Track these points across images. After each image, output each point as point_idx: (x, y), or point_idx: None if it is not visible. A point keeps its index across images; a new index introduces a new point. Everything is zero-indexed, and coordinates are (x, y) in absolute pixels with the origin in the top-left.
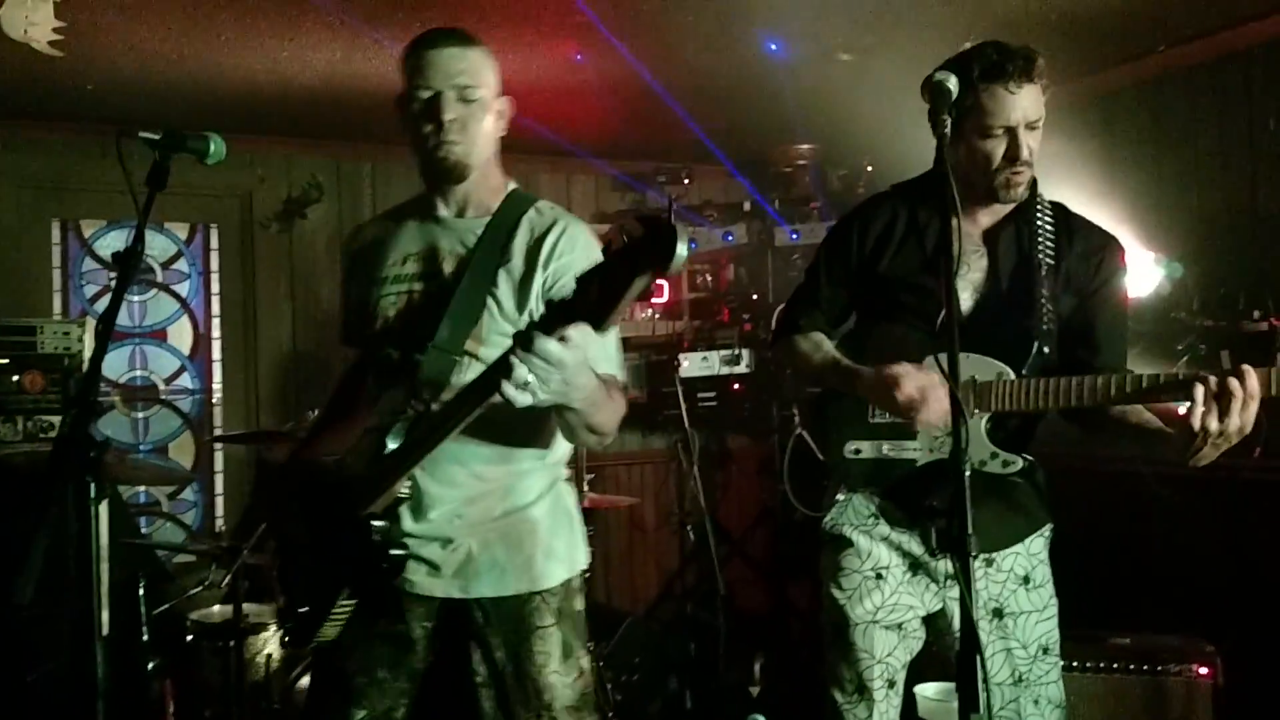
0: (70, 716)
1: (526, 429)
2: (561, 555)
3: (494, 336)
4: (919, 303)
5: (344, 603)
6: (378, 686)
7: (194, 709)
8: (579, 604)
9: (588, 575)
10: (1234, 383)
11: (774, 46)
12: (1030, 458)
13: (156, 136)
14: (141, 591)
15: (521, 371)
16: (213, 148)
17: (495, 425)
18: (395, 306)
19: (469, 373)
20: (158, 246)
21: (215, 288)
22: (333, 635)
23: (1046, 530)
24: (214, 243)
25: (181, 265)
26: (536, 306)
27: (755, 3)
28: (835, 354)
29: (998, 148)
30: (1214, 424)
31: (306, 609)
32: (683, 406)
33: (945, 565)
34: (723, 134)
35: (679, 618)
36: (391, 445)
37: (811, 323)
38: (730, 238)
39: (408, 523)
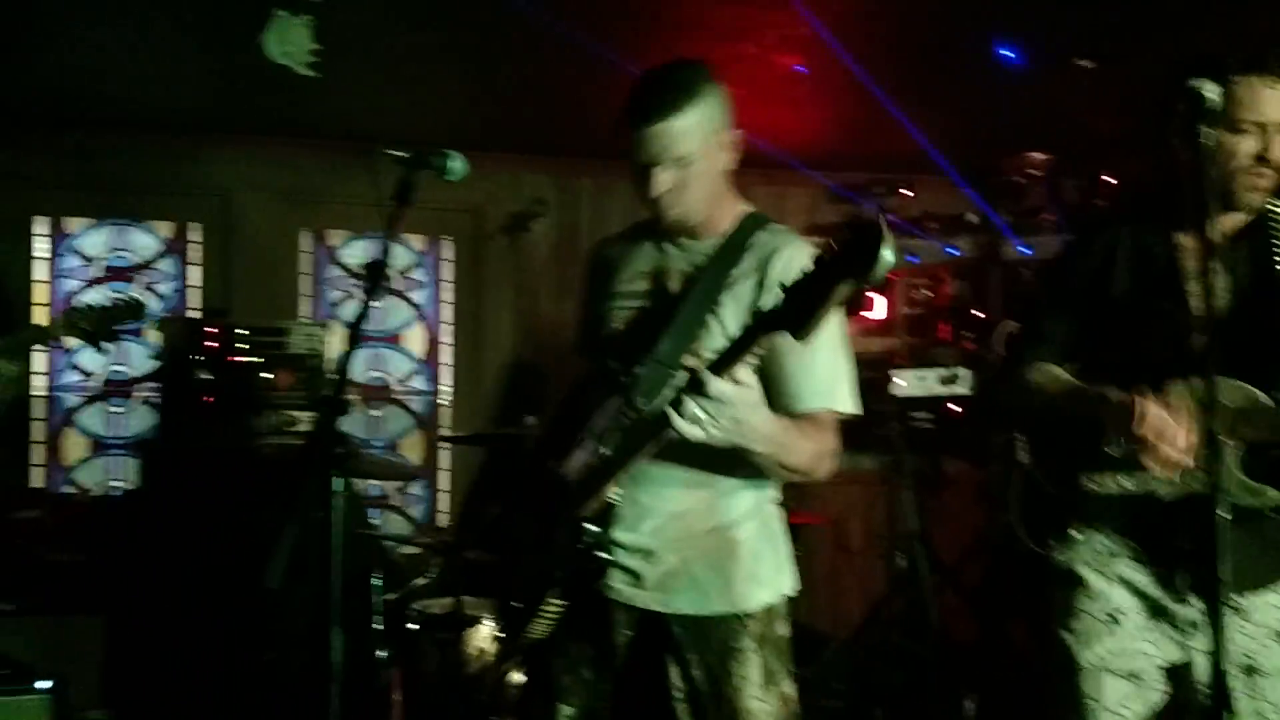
0: (304, 698)
1: (730, 452)
2: (765, 579)
3: (711, 353)
4: (1155, 327)
5: (553, 602)
6: (584, 686)
7: (414, 698)
8: (783, 630)
9: (793, 599)
10: None
11: (1008, 53)
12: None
13: (405, 155)
14: (376, 582)
15: (691, 406)
16: (454, 165)
17: (705, 446)
18: (621, 320)
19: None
20: (397, 256)
21: (447, 297)
22: (542, 633)
23: None
24: (447, 254)
25: (418, 275)
26: None
27: (988, 9)
28: (1074, 380)
29: (1244, 144)
30: None
31: (520, 605)
32: (896, 426)
33: (1190, 611)
34: (947, 142)
35: (885, 646)
36: (606, 452)
37: (1037, 355)
38: (952, 251)
39: (617, 531)
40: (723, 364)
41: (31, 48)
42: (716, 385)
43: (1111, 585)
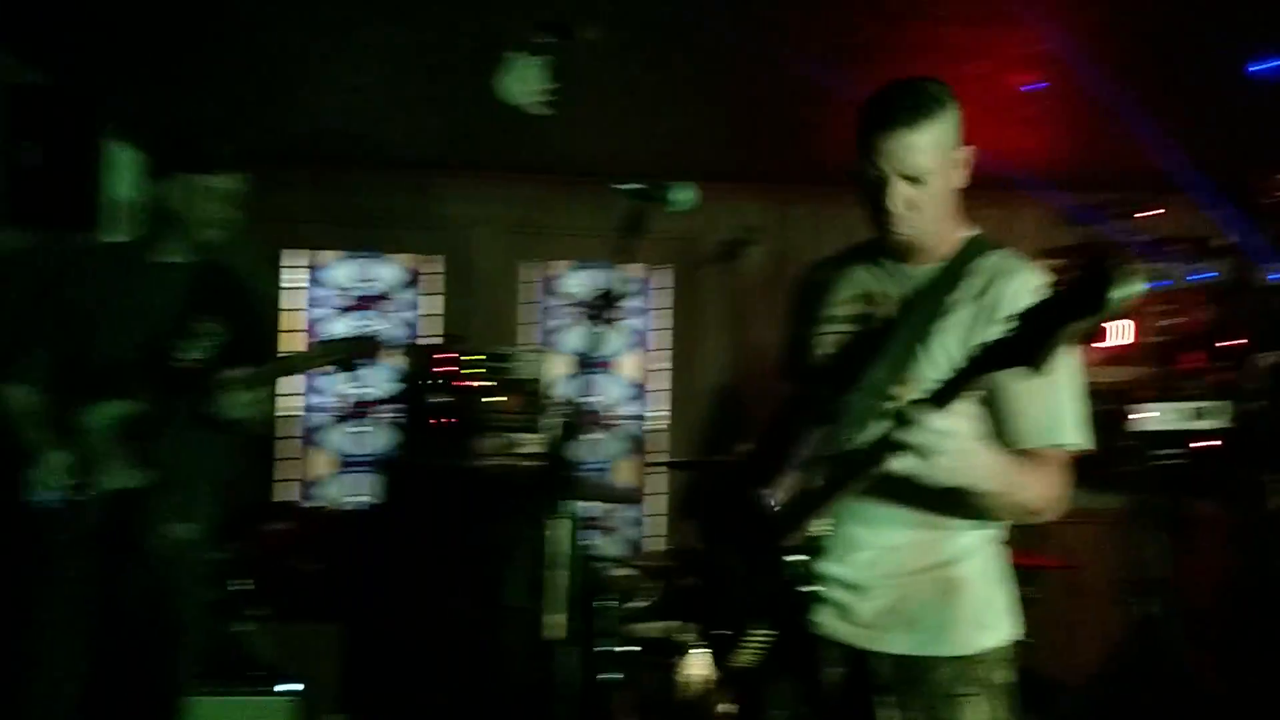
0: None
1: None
2: (990, 621)
3: (927, 383)
4: None
5: (759, 632)
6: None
7: None
8: (1008, 676)
9: (1020, 645)
10: None
11: (1266, 66)
12: None
13: (636, 188)
14: (600, 604)
15: (908, 439)
16: (683, 196)
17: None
18: (831, 345)
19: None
20: (619, 284)
21: (661, 324)
22: (749, 662)
23: None
24: (663, 282)
25: (634, 302)
26: None
27: (1244, 18)
28: None
29: None
30: None
31: (728, 633)
32: (1138, 464)
33: None
34: (1195, 160)
35: (1124, 698)
36: (815, 482)
37: None
38: (1199, 275)
39: (826, 563)
40: (944, 396)
41: (291, 94)
42: (937, 419)
43: None
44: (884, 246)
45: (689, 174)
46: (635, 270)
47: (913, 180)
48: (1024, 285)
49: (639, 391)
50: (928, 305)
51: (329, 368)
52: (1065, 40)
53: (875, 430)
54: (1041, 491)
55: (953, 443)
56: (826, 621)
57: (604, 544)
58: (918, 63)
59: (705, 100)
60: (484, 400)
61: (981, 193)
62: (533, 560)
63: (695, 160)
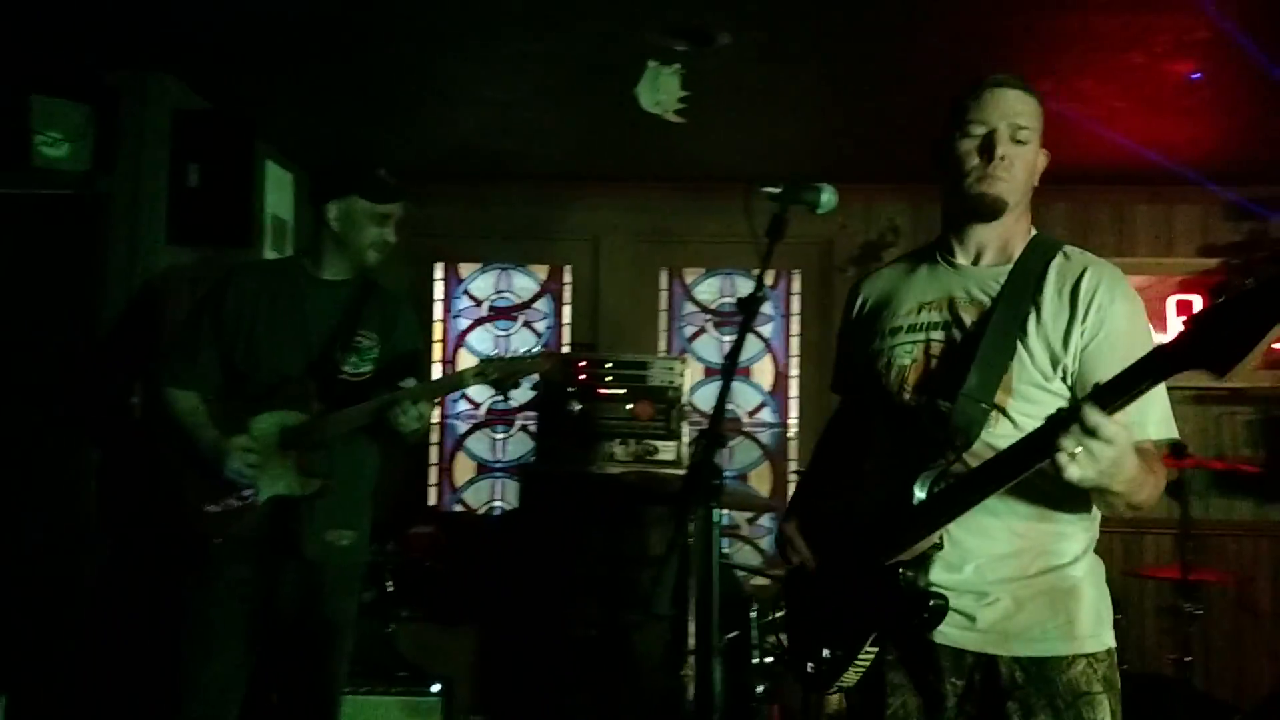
0: None
1: (1070, 488)
2: (1105, 620)
3: (1023, 388)
4: None
5: (869, 649)
6: None
7: None
8: (1118, 677)
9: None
10: None
11: None
12: None
13: (777, 190)
14: (754, 614)
15: (1070, 444)
16: (824, 197)
17: (1037, 483)
18: (911, 355)
19: (998, 426)
20: (744, 290)
21: (795, 329)
22: (854, 682)
23: None
24: (795, 287)
25: (766, 308)
26: (1073, 362)
27: None
28: None
29: None
30: None
31: (831, 653)
32: None
33: None
34: None
35: None
36: (919, 495)
37: None
38: None
39: (938, 574)
40: (1111, 398)
41: (432, 111)
42: (1105, 425)
43: None
44: (949, 243)
45: (825, 176)
46: (767, 275)
47: (1016, 135)
48: (1105, 279)
49: (772, 398)
50: (1013, 306)
51: (488, 387)
52: (1231, 24)
53: (989, 434)
54: (1155, 486)
55: (1114, 449)
56: (949, 631)
57: (742, 553)
58: (1067, 53)
59: (846, 103)
60: (621, 407)
61: (1137, 187)
62: (676, 568)
63: (831, 162)
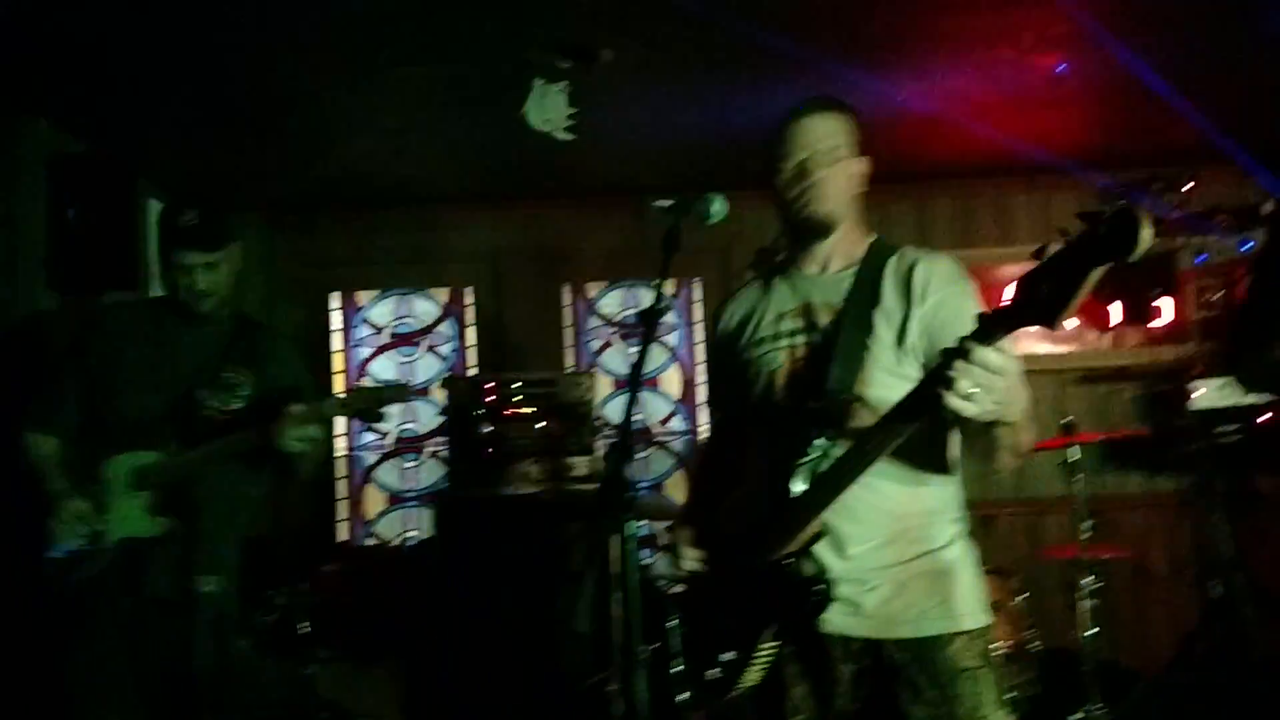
0: None
1: (934, 465)
2: (980, 599)
3: (879, 375)
4: None
5: (767, 646)
6: None
7: None
8: (994, 651)
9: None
10: None
11: None
12: None
13: (668, 203)
14: (675, 623)
15: (964, 383)
16: (715, 208)
17: (904, 462)
18: (778, 360)
19: (862, 414)
20: (648, 301)
21: (699, 337)
22: (756, 680)
23: None
24: (697, 295)
25: (670, 317)
26: (917, 342)
27: None
28: None
29: None
30: None
31: (730, 656)
32: (1198, 443)
33: None
34: (1235, 127)
35: (1202, 683)
36: (798, 487)
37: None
38: (1248, 245)
39: (823, 561)
40: (985, 337)
41: (320, 140)
42: (989, 354)
43: None
44: (797, 258)
45: (717, 184)
46: (668, 285)
47: (828, 159)
48: (935, 266)
49: (681, 406)
50: (861, 305)
51: (355, 418)
52: (1090, 19)
53: (854, 424)
54: (1031, 432)
55: (1004, 378)
56: (836, 619)
57: (661, 562)
58: (938, 53)
59: (723, 109)
60: (532, 427)
61: (1015, 177)
62: (594, 585)
63: (721, 170)
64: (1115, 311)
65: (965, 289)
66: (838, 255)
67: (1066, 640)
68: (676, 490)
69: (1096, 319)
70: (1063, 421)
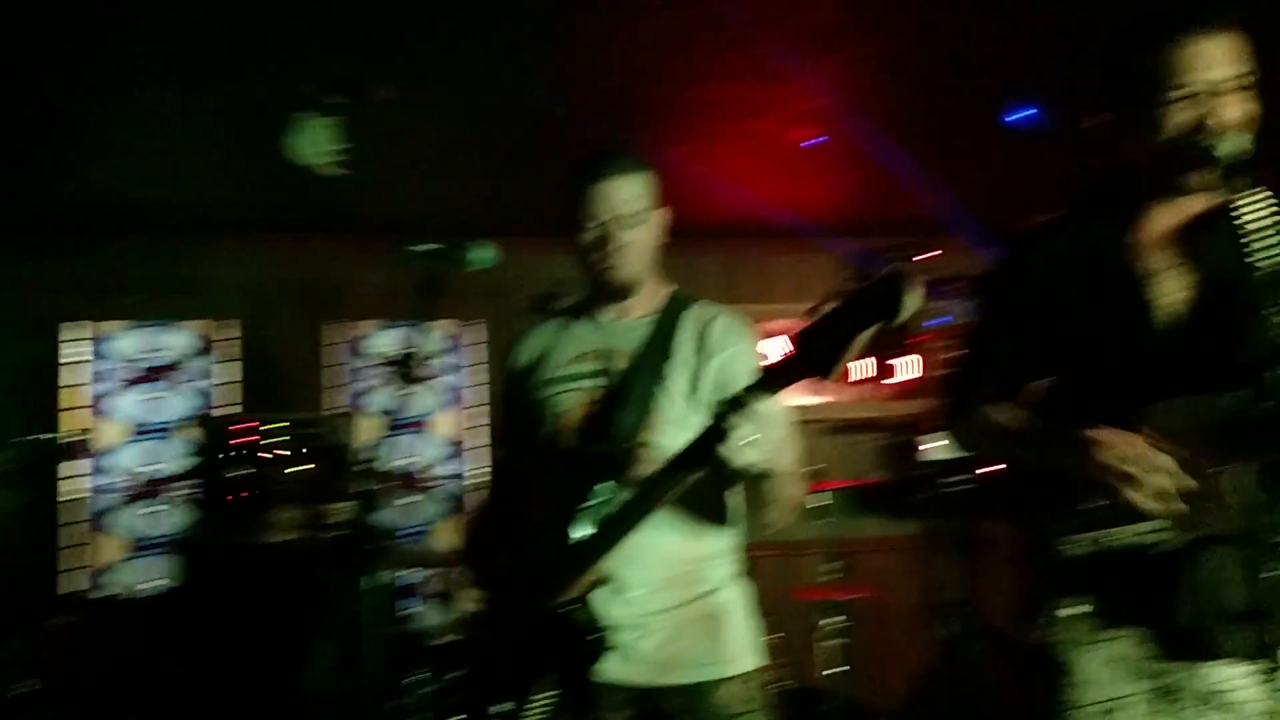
0: None
1: (713, 512)
2: (753, 642)
3: (667, 424)
4: (1119, 339)
5: (543, 695)
6: None
7: None
8: (767, 696)
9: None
10: None
11: (1022, 113)
12: None
13: (429, 249)
14: (421, 677)
15: (739, 433)
16: (481, 256)
17: (685, 510)
18: (571, 403)
19: (647, 463)
20: (426, 344)
21: (476, 380)
22: None
23: None
24: (475, 338)
25: (448, 359)
26: (708, 394)
27: (999, 69)
28: (1024, 421)
29: (1192, 112)
30: None
31: (505, 706)
32: (930, 490)
33: (1205, 682)
34: (970, 203)
35: (935, 718)
36: (578, 534)
37: (983, 393)
38: (945, 320)
39: (600, 608)
40: (762, 391)
41: (66, 161)
42: (765, 405)
43: (1106, 668)
44: (598, 303)
45: (497, 228)
46: (446, 326)
47: (625, 223)
48: (730, 327)
49: (456, 450)
50: (656, 353)
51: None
52: (844, 98)
53: (639, 471)
54: (803, 485)
55: (777, 428)
56: (610, 666)
57: (428, 612)
58: (706, 121)
59: (507, 160)
60: (288, 470)
61: (776, 241)
62: (343, 637)
63: (502, 215)
64: (864, 367)
65: (754, 347)
66: (637, 304)
67: (813, 679)
68: (444, 537)
69: (844, 374)
70: (812, 469)
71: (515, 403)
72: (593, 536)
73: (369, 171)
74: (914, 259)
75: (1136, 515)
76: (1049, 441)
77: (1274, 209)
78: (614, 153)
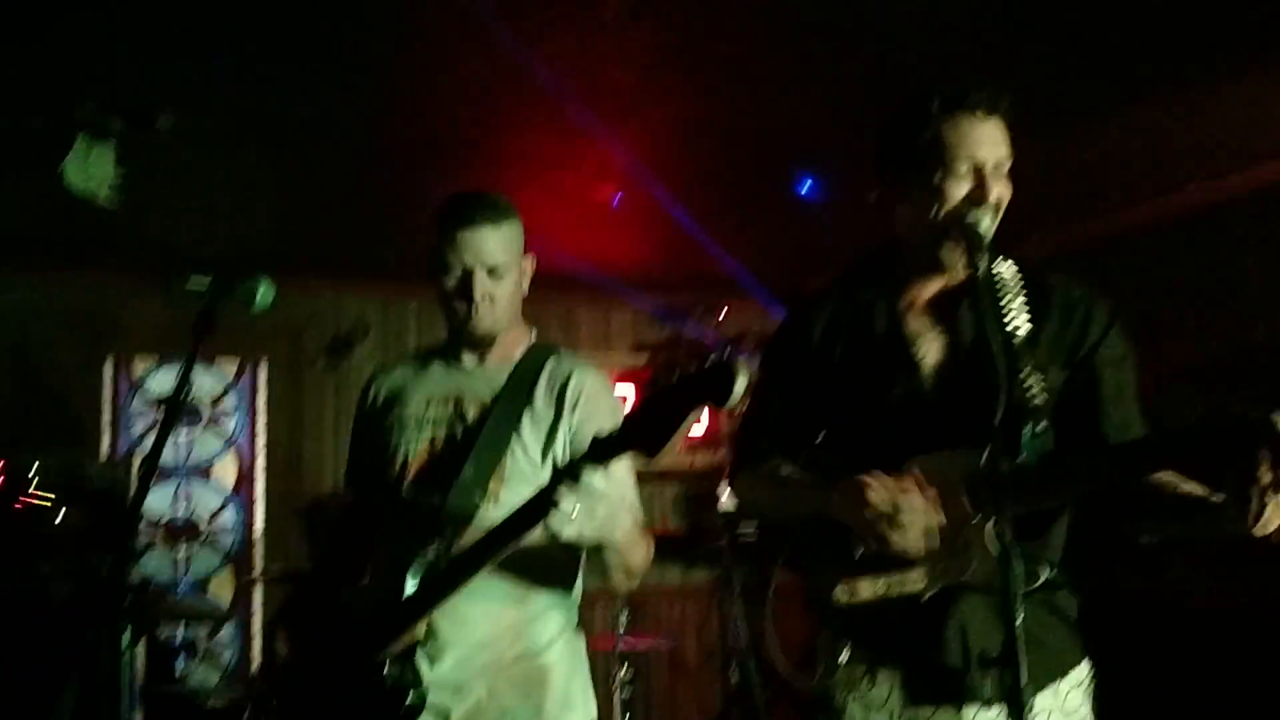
0: None
1: (546, 570)
2: (576, 703)
3: (516, 478)
4: (884, 398)
5: None
6: None
7: None
8: None
9: None
10: None
11: (807, 184)
12: (1055, 570)
13: (203, 284)
14: None
15: (568, 504)
16: (260, 294)
17: (515, 565)
18: (418, 448)
19: (491, 514)
20: (206, 384)
21: (261, 424)
22: None
23: (1083, 673)
24: (262, 379)
25: (229, 401)
26: (561, 451)
27: (788, 141)
28: (798, 476)
29: (958, 189)
30: (1268, 476)
31: None
32: (724, 539)
33: None
34: (759, 265)
35: None
36: (410, 587)
37: (763, 449)
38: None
39: (421, 667)
40: (598, 458)
41: None
42: (595, 478)
43: (874, 714)
44: (457, 347)
45: (292, 265)
46: (229, 366)
47: (492, 273)
48: (588, 381)
49: (236, 498)
50: (510, 404)
51: None
52: (642, 156)
53: (481, 523)
54: (646, 552)
55: (606, 501)
56: None
57: (197, 669)
58: (511, 170)
59: (305, 195)
60: (49, 517)
61: (581, 293)
62: (92, 703)
63: (297, 252)
64: None
65: (613, 406)
66: (496, 352)
67: None
68: (222, 590)
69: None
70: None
71: (362, 444)
72: (420, 591)
73: (152, 201)
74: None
75: (901, 561)
76: (820, 490)
77: (1020, 281)
78: (484, 197)
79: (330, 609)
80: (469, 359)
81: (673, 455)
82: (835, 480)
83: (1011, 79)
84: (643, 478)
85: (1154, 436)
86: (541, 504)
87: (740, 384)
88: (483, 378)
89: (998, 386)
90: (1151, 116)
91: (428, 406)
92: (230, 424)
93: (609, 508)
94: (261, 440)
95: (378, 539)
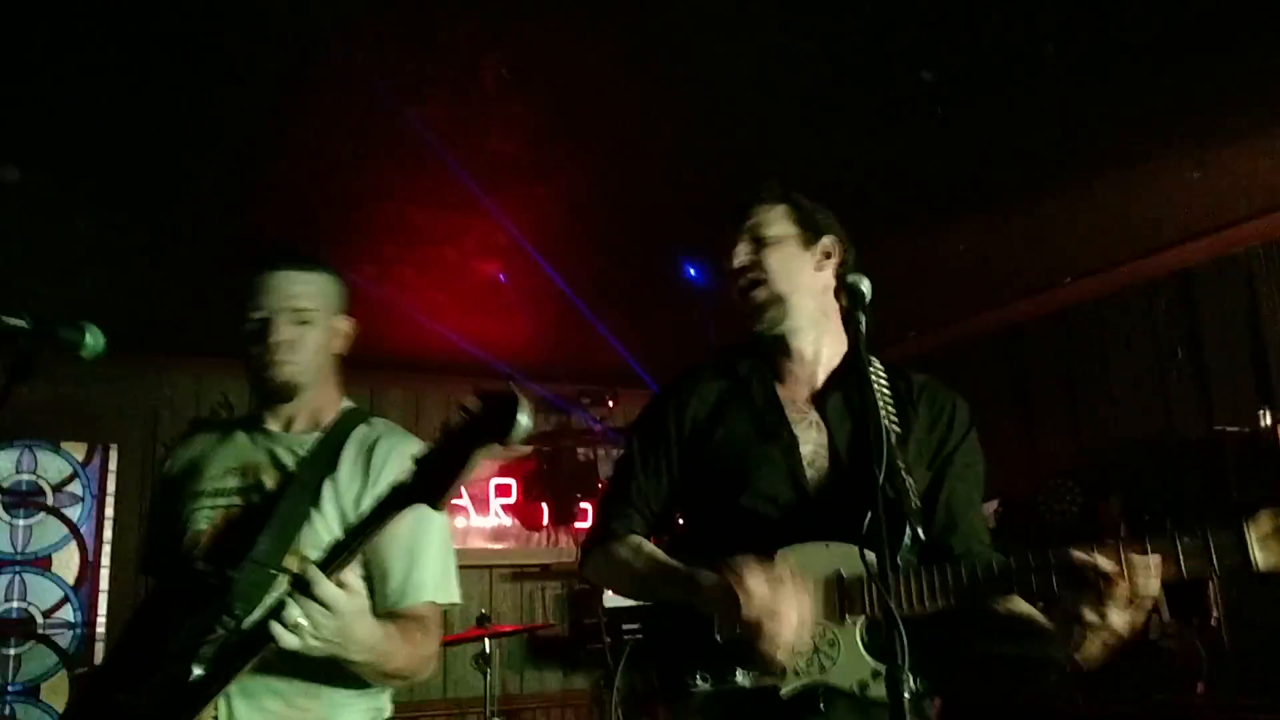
0: None
1: (333, 677)
2: None
3: (313, 551)
4: (760, 482)
5: None
6: None
7: None
8: None
9: None
10: (1116, 564)
11: (693, 271)
12: (919, 680)
13: (22, 324)
14: None
15: (293, 613)
16: (88, 339)
17: (304, 669)
18: (210, 521)
19: (275, 591)
20: (51, 468)
21: (109, 512)
22: None
23: None
24: (113, 464)
25: (75, 488)
26: None
27: (674, 227)
28: (662, 557)
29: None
30: (1093, 615)
31: None
32: (606, 641)
33: None
34: (646, 353)
35: None
36: (197, 671)
37: (627, 525)
38: None
39: None
40: (332, 562)
41: None
42: (325, 589)
43: None
44: (261, 411)
45: (149, 342)
46: (77, 450)
47: (296, 319)
48: (398, 447)
49: (76, 593)
50: (312, 473)
51: None
52: (526, 236)
53: (267, 606)
54: (413, 655)
55: (339, 617)
56: None
57: None
58: (388, 243)
59: (168, 269)
60: None
61: (465, 377)
62: None
63: (155, 328)
64: (544, 512)
65: None
66: (302, 416)
67: None
68: (56, 695)
69: (528, 518)
70: (478, 615)
71: (158, 523)
72: (207, 675)
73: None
74: (600, 405)
75: (763, 660)
76: (688, 578)
77: (887, 379)
78: (296, 248)
79: (117, 704)
80: (274, 424)
81: (552, 549)
82: (705, 567)
83: (883, 183)
84: (524, 573)
85: (1008, 566)
86: (275, 609)
87: (524, 415)
88: (286, 444)
89: (875, 483)
90: (1018, 220)
91: (224, 477)
92: (75, 511)
93: (341, 621)
94: (109, 530)
95: (174, 622)
